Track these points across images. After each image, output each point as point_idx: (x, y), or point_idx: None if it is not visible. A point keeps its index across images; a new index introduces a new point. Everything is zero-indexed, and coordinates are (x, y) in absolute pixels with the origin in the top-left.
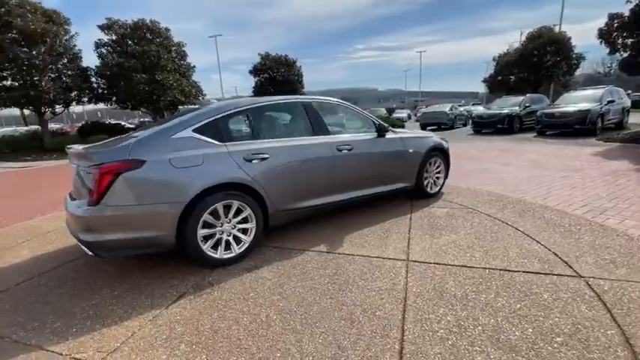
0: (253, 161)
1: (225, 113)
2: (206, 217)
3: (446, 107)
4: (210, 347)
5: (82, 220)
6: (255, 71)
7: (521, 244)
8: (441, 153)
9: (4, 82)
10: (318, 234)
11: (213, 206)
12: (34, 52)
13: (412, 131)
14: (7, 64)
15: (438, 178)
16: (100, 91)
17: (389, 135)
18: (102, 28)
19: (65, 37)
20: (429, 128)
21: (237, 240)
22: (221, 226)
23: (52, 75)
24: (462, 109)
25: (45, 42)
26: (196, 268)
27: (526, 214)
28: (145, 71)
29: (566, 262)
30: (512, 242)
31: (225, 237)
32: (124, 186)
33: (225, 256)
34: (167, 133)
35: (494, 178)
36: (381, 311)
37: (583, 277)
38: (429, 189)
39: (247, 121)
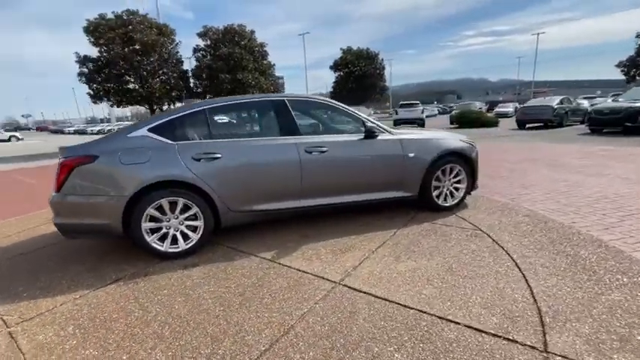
0: (201, 160)
1: (183, 113)
2: (151, 211)
3: (554, 100)
4: (90, 334)
5: (50, 205)
6: (335, 66)
7: (501, 289)
8: (460, 159)
9: (128, 85)
10: (281, 239)
11: (158, 202)
12: (150, 60)
13: (422, 132)
14: (130, 71)
15: (457, 189)
16: (196, 90)
17: (383, 136)
18: (199, 35)
19: (171, 46)
20: (528, 126)
21: (186, 236)
22: (168, 222)
23: (161, 78)
24: (585, 102)
25: (155, 51)
26: (149, 258)
27: (552, 246)
28: (229, 71)
29: (542, 325)
30: (490, 283)
31: (172, 232)
32: (78, 178)
33: (171, 250)
34: (125, 132)
35: (559, 193)
36: (252, 337)
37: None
38: (440, 201)
39: (205, 121)
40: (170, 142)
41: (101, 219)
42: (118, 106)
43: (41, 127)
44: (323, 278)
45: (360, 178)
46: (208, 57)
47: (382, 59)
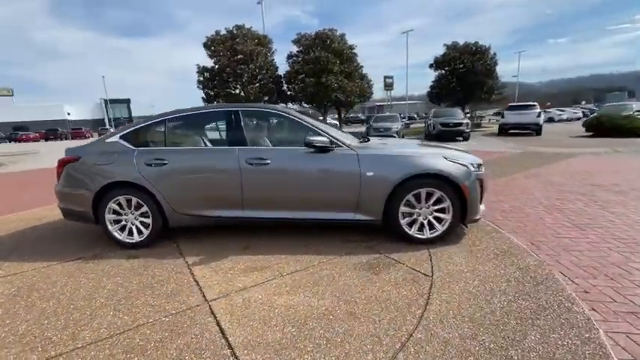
0: (152, 165)
1: (148, 123)
2: (112, 205)
3: None
4: (26, 291)
5: (55, 192)
6: (435, 64)
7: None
8: (444, 183)
9: (234, 91)
10: (222, 246)
11: (117, 198)
12: (249, 67)
13: (396, 144)
14: (234, 78)
15: (438, 219)
16: (289, 93)
17: (340, 150)
18: (294, 42)
19: (268, 54)
20: None
21: (140, 230)
22: (126, 216)
23: (261, 83)
24: None
25: (253, 59)
26: (109, 244)
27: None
28: (314, 75)
29: None
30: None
31: (128, 225)
32: (66, 173)
33: (127, 240)
34: (104, 138)
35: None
36: (86, 323)
37: None
38: (413, 230)
39: (163, 130)
40: (132, 148)
41: (81, 207)
42: None
43: None
44: (201, 292)
45: (307, 194)
46: (299, 62)
47: (494, 54)
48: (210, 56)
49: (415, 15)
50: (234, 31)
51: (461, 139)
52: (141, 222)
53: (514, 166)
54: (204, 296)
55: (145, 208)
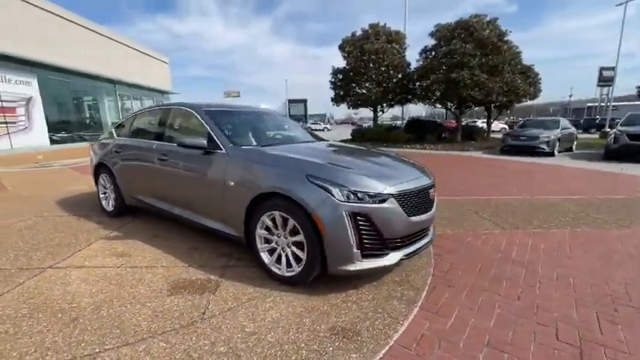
0: (116, 152)
1: (128, 117)
2: (100, 179)
3: None
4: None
5: None
6: None
7: None
8: (296, 208)
9: (360, 90)
10: (139, 227)
11: (100, 175)
12: (375, 65)
13: (294, 150)
14: (361, 77)
15: (296, 257)
16: (419, 92)
17: (217, 154)
18: (431, 35)
19: (398, 51)
20: None
21: (110, 203)
22: (105, 189)
23: (385, 83)
24: None
25: (382, 58)
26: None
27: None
28: (446, 71)
29: None
30: None
31: (106, 197)
32: (91, 150)
33: (108, 209)
34: (110, 129)
35: None
36: None
37: None
38: (270, 261)
39: (131, 124)
40: (115, 137)
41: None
42: (354, 108)
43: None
44: (59, 257)
45: (190, 196)
46: (429, 58)
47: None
48: (344, 57)
49: None
50: (369, 30)
51: None
52: (113, 198)
53: None
54: (54, 260)
55: (109, 186)
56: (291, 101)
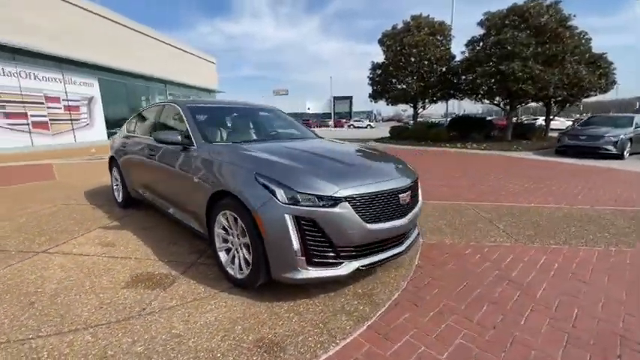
0: (122, 147)
1: (135, 115)
2: (113, 171)
3: None
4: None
5: None
6: None
7: None
8: (241, 207)
9: (401, 86)
10: (134, 224)
11: (113, 168)
12: (416, 59)
13: (257, 148)
14: (399, 72)
15: (246, 261)
16: (464, 87)
17: (191, 149)
18: (479, 24)
19: (442, 43)
20: None
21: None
22: (117, 181)
23: (427, 77)
24: None
25: (423, 50)
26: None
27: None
28: (495, 62)
29: None
30: None
31: (117, 189)
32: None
33: (118, 200)
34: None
35: None
36: None
37: None
38: (225, 260)
39: (137, 120)
40: (124, 133)
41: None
42: (393, 104)
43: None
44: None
45: (171, 191)
46: (476, 49)
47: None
48: (384, 52)
49: None
50: (410, 22)
51: None
52: (121, 189)
53: None
54: (37, 251)
55: (119, 178)
56: (336, 98)
